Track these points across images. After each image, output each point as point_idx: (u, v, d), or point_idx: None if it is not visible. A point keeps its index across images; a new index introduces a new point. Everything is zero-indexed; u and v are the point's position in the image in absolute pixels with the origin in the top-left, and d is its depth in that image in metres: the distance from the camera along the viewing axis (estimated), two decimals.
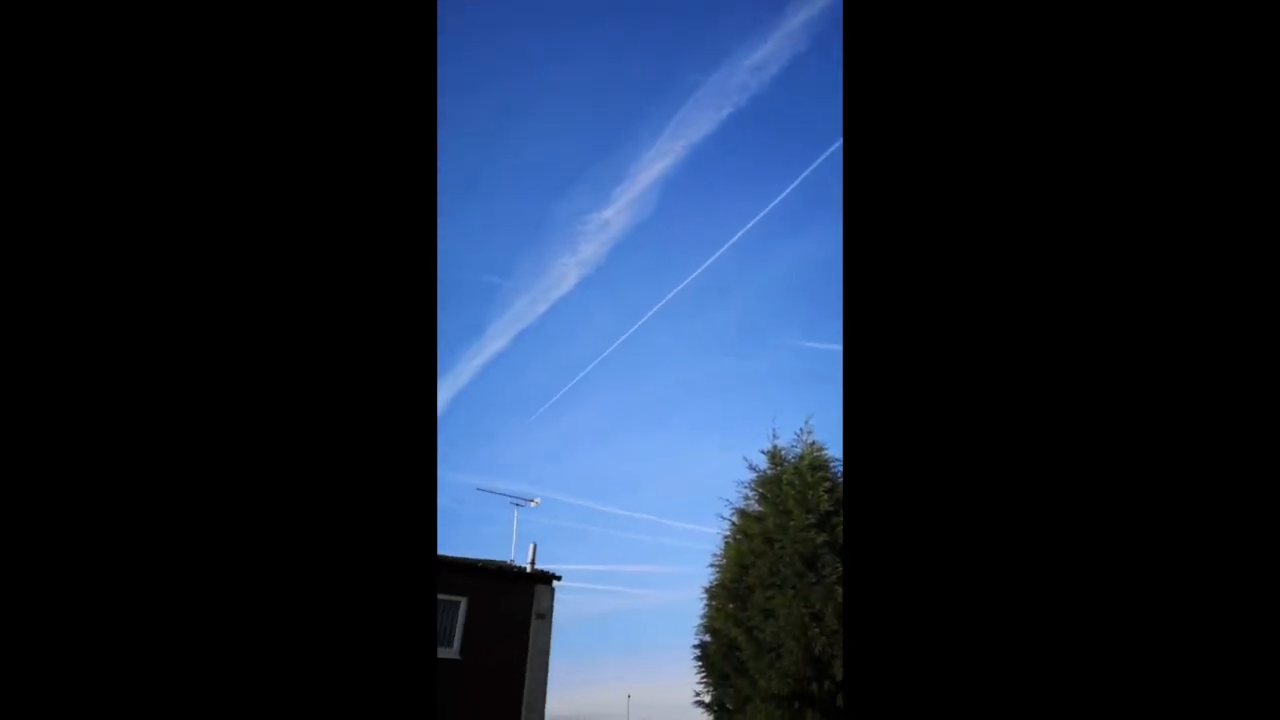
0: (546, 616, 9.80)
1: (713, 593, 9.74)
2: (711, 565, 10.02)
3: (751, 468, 9.98)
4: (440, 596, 9.18)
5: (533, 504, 12.00)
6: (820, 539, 8.46)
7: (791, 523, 8.73)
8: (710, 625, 9.50)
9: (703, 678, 9.45)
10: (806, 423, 10.34)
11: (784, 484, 9.26)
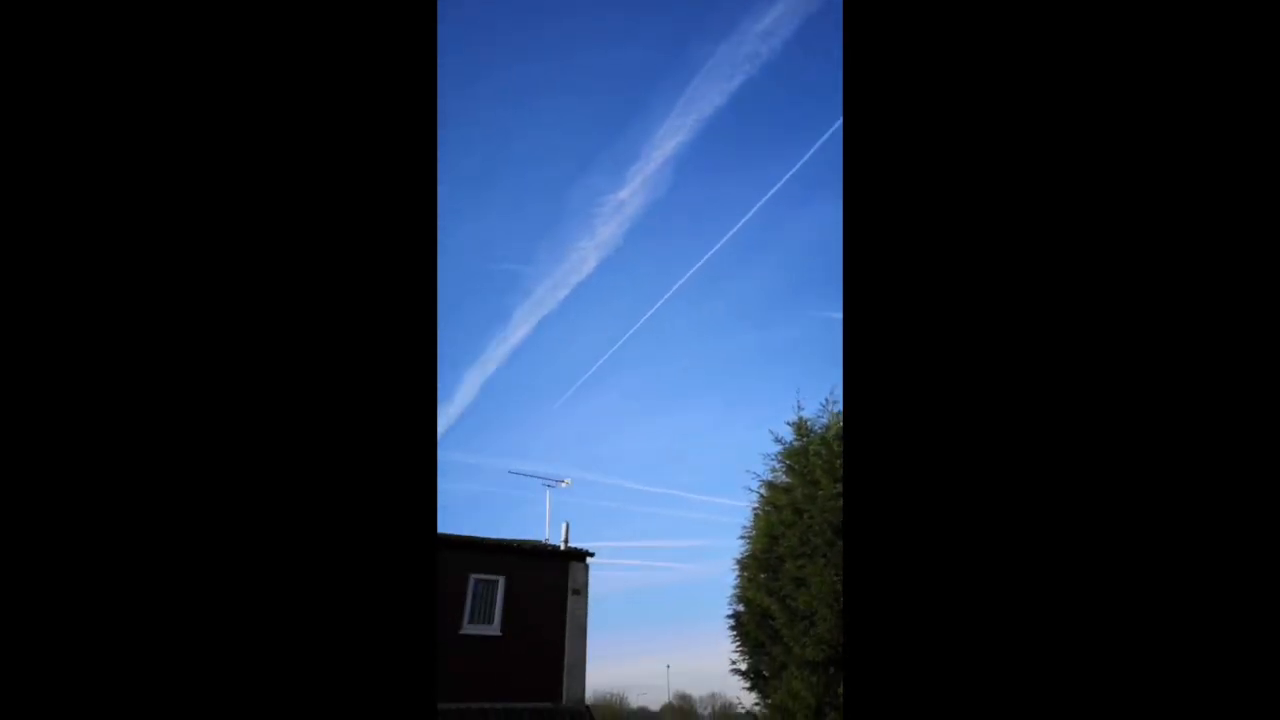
0: (582, 592, 10.03)
1: (744, 564, 9.87)
2: (741, 537, 10.15)
3: (778, 440, 10.03)
4: (479, 576, 9.45)
5: (563, 484, 12.21)
6: None
7: (820, 492, 8.78)
8: (743, 595, 9.65)
9: (738, 646, 9.63)
10: (831, 393, 10.32)
11: (811, 455, 9.29)
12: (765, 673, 9.13)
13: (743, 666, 9.55)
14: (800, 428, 9.85)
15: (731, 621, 9.88)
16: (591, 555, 10.33)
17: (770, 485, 9.90)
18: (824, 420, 9.69)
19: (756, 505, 10.07)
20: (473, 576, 9.40)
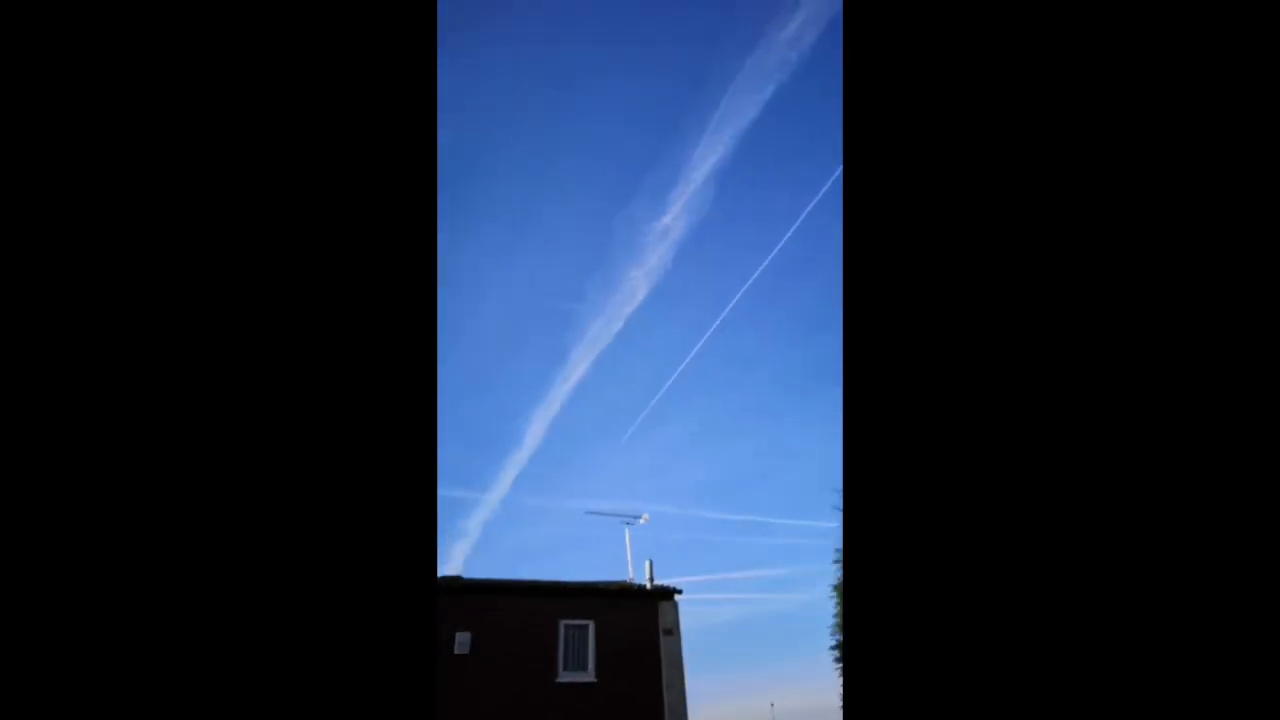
0: (674, 631, 9.72)
1: (842, 589, 9.34)
2: (836, 561, 9.63)
3: None
4: (568, 621, 9.33)
5: (641, 521, 12.00)
6: None
7: None
8: (844, 624, 9.10)
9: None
10: None
11: None
12: None
13: None
14: None
15: (836, 653, 9.31)
16: (679, 592, 10.04)
17: None
18: None
19: None
20: (562, 622, 9.29)
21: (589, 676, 9.09)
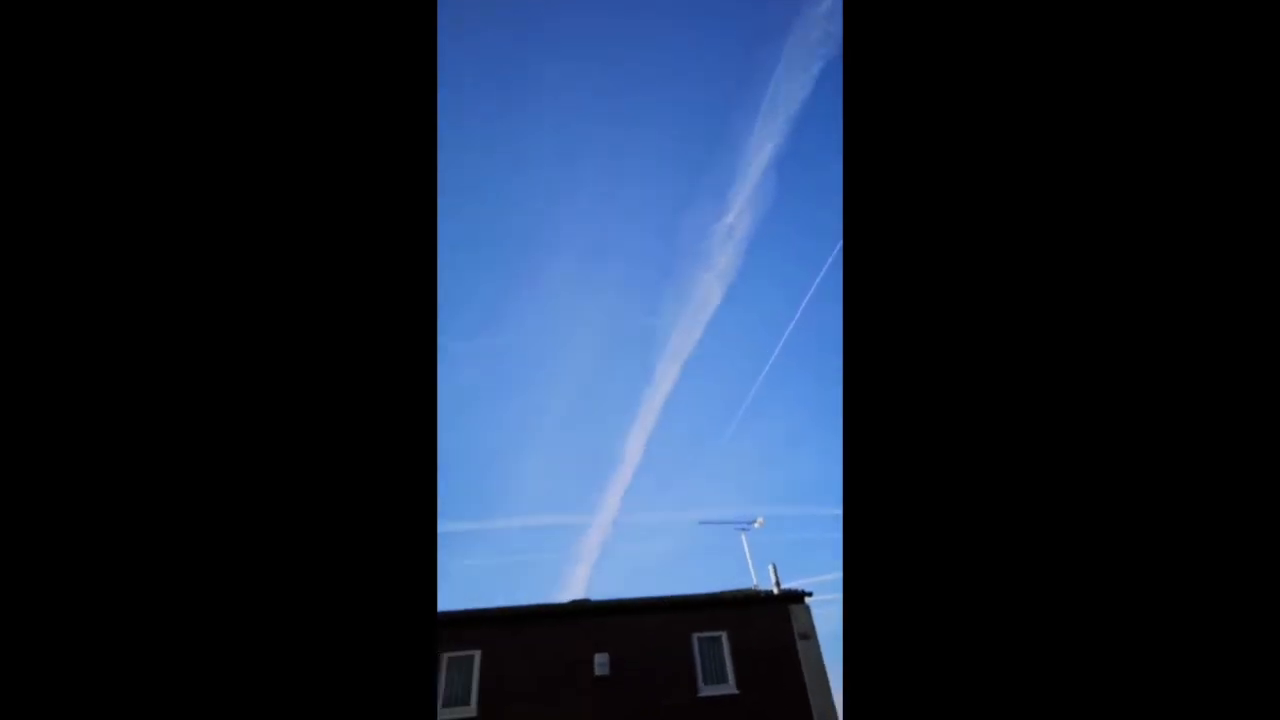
0: (810, 636, 9.41)
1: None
2: None
3: None
4: (701, 635, 9.26)
5: (757, 524, 11.78)
6: None
7: None
8: None
9: None
10: None
11: None
12: None
13: None
14: None
15: None
16: (809, 595, 9.74)
17: None
18: None
19: None
20: (694, 636, 9.22)
21: (730, 688, 8.94)
